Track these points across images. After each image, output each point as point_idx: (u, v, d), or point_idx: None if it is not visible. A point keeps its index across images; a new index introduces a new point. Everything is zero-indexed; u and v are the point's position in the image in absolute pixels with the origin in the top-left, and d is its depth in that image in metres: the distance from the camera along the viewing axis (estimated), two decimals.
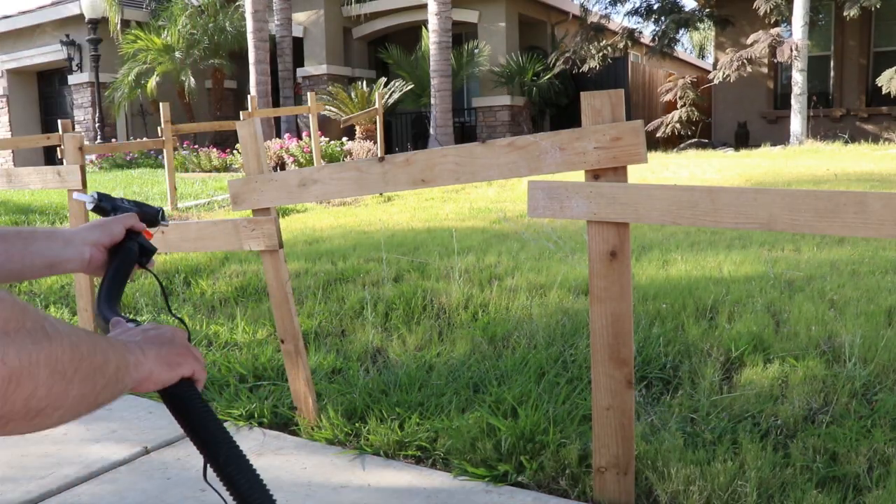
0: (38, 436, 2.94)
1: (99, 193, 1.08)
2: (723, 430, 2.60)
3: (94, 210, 1.11)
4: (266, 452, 2.77)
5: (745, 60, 13.61)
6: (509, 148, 2.29)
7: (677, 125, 14.86)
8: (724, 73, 13.81)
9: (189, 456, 2.78)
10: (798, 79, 13.54)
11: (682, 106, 15.06)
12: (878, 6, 12.46)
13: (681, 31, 16.23)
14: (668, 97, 15.38)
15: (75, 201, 3.66)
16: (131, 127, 18.26)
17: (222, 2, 17.63)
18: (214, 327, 4.10)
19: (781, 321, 3.60)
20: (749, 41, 13.95)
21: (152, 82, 16.73)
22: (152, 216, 1.16)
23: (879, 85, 13.20)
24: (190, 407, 0.79)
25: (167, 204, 9.03)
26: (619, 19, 17.59)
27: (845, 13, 12.97)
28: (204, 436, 0.78)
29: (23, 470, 2.64)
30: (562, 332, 3.55)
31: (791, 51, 13.01)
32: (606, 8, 16.89)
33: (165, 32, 17.11)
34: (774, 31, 13.82)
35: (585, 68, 15.51)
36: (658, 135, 15.00)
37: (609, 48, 15.88)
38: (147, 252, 1.05)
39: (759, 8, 13.85)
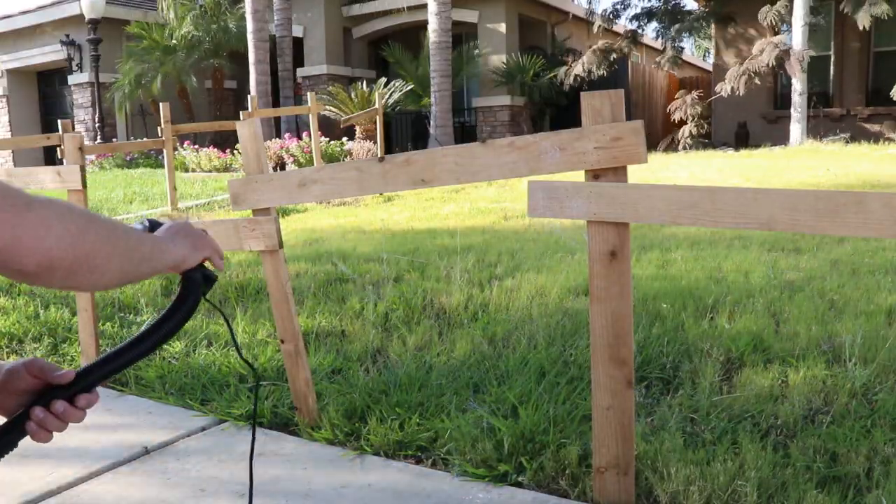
0: None
1: (150, 221, 1.05)
2: (723, 430, 2.60)
3: None
4: (266, 452, 2.77)
5: (751, 73, 13.57)
6: (509, 148, 2.29)
7: (688, 140, 14.85)
8: (731, 86, 13.77)
9: (189, 456, 2.78)
10: (798, 80, 13.54)
11: (691, 121, 15.03)
12: (888, 14, 12.45)
13: (684, 37, 16.23)
14: (678, 115, 15.31)
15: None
16: (131, 127, 18.26)
17: (229, 2, 17.63)
18: (214, 327, 4.10)
19: (781, 321, 3.60)
20: (754, 51, 13.89)
21: (157, 82, 16.74)
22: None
23: (893, 97, 13.18)
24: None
25: (167, 204, 9.03)
26: (622, 22, 17.56)
27: (860, 25, 12.96)
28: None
29: (22, 469, 2.64)
30: (562, 332, 3.55)
31: (798, 63, 12.99)
32: (610, 16, 16.85)
33: (167, 31, 17.12)
34: (777, 38, 13.80)
35: (594, 77, 15.47)
36: (667, 150, 14.96)
37: (613, 53, 15.82)
38: (210, 281, 1.05)
39: (763, 19, 13.86)
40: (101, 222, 0.79)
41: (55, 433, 0.90)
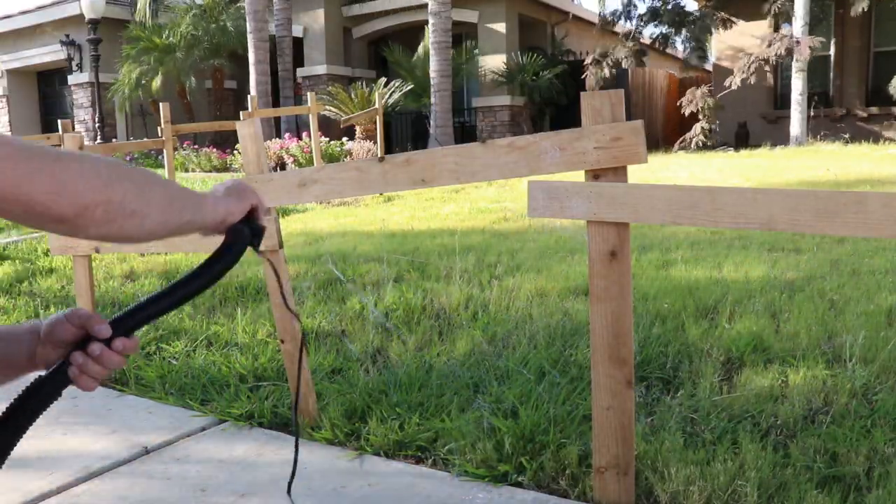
0: (38, 435, 2.93)
1: None
2: (723, 430, 2.60)
3: None
4: (266, 452, 2.77)
5: (762, 63, 13.55)
6: (509, 148, 2.29)
7: (701, 137, 14.75)
8: (741, 77, 13.75)
9: (189, 456, 2.78)
10: (798, 79, 13.54)
11: (703, 118, 14.97)
12: None
13: (682, 34, 16.26)
14: (690, 109, 15.21)
15: None
16: (131, 127, 18.26)
17: (226, 2, 17.63)
18: (214, 327, 4.10)
19: (781, 321, 3.60)
20: (764, 43, 13.91)
21: (156, 82, 16.73)
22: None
23: (891, 93, 13.18)
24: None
25: None
26: (621, 23, 17.55)
27: (852, 12, 12.96)
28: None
29: (22, 470, 2.64)
30: (562, 332, 3.55)
31: (808, 49, 12.98)
32: (619, 17, 16.84)
33: (167, 32, 17.11)
34: (787, 30, 13.82)
35: (606, 73, 15.49)
36: (678, 150, 14.90)
37: (624, 58, 15.73)
38: (258, 234, 1.02)
39: (767, 13, 13.87)
40: (133, 169, 0.81)
41: (99, 381, 0.91)
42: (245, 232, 0.98)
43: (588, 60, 15.55)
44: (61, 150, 0.74)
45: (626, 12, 16.72)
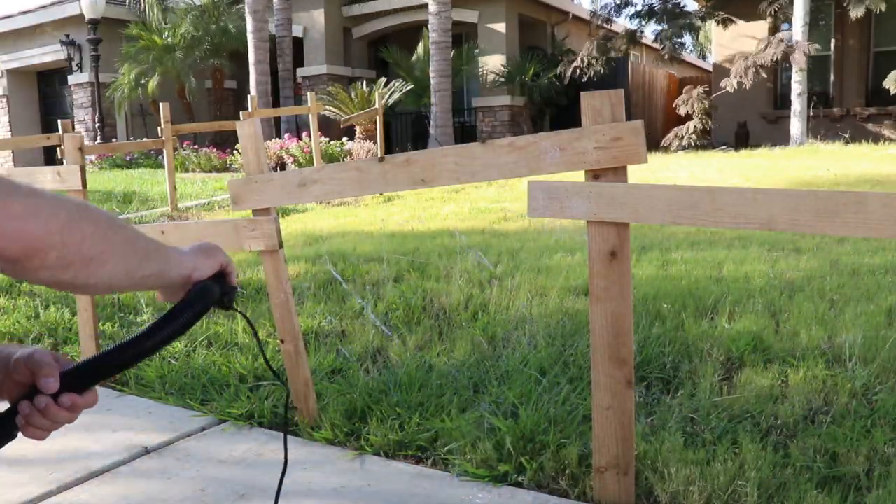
0: None
1: None
2: (723, 430, 2.60)
3: None
4: (266, 452, 2.77)
5: (758, 67, 13.55)
6: (509, 148, 2.29)
7: (693, 136, 14.74)
8: (737, 81, 13.75)
9: (189, 456, 2.78)
10: (798, 79, 13.54)
11: (697, 117, 14.96)
12: (882, 8, 12.45)
13: (684, 35, 16.24)
14: (685, 109, 15.19)
15: None
16: (131, 127, 18.25)
17: (228, 2, 17.63)
18: (215, 327, 4.10)
19: (781, 321, 3.60)
20: (760, 46, 13.91)
21: (153, 82, 16.73)
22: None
23: (886, 87, 13.17)
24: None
25: (167, 204, 9.03)
26: (621, 20, 17.59)
27: (852, 14, 12.95)
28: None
29: (22, 470, 2.64)
30: (562, 332, 3.55)
31: (804, 54, 12.98)
32: (611, 12, 16.85)
33: (167, 33, 17.11)
34: (785, 34, 13.81)
35: (591, 72, 15.51)
36: (673, 148, 14.88)
37: (612, 50, 15.85)
38: (229, 291, 0.99)
39: (766, 10, 13.87)
40: (95, 211, 0.75)
41: (49, 432, 0.86)
42: (214, 289, 0.95)
43: (577, 62, 15.55)
44: (17, 183, 0.68)
45: (616, 7, 16.71)
